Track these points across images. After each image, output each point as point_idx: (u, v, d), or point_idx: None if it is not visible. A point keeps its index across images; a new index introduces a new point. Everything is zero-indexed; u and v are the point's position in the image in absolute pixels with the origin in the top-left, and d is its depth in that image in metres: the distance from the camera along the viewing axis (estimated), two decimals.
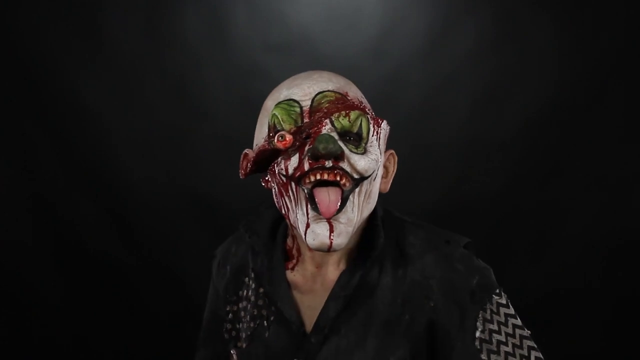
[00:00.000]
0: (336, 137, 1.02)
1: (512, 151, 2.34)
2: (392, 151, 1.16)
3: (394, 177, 1.18)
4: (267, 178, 1.11)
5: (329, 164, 1.01)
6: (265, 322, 1.14)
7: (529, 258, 2.36)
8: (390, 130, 1.15)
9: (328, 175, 1.02)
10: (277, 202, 1.10)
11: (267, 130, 1.07)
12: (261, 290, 1.16)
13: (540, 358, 1.09)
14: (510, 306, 1.12)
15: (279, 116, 1.05)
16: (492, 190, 2.35)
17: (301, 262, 1.15)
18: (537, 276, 2.35)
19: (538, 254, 2.36)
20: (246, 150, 1.13)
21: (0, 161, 2.34)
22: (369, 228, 1.13)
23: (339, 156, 1.01)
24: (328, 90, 1.07)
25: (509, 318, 1.10)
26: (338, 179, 1.02)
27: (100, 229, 2.39)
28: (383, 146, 1.11)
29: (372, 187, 1.08)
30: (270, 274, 1.14)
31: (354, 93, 1.10)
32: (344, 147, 1.02)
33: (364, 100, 1.12)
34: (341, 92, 1.07)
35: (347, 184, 1.03)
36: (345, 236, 1.04)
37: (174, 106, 2.35)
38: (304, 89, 1.06)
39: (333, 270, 1.13)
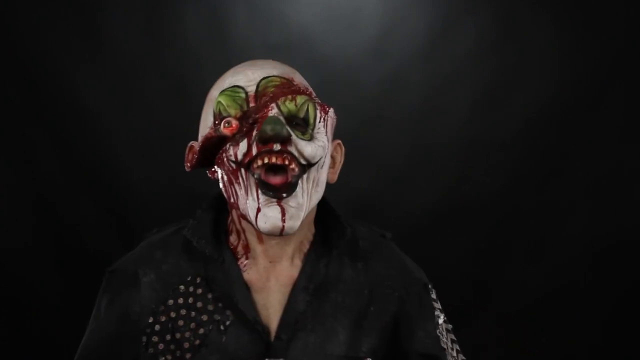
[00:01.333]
0: (283, 121, 1.02)
1: (512, 151, 2.34)
2: (339, 141, 1.15)
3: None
4: (213, 169, 1.11)
5: (277, 147, 1.00)
6: (220, 326, 1.08)
7: (529, 258, 2.36)
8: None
9: (276, 159, 1.01)
10: (226, 191, 1.08)
11: (212, 119, 1.08)
12: (210, 295, 1.09)
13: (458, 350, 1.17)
14: (438, 301, 1.21)
15: (223, 103, 1.06)
16: (492, 190, 2.35)
17: (252, 259, 1.12)
18: (537, 276, 2.35)
19: (538, 254, 2.36)
20: (191, 143, 1.14)
21: (0, 161, 2.34)
22: (325, 219, 1.15)
23: (286, 140, 1.01)
24: (273, 76, 1.06)
25: (436, 311, 1.20)
26: (287, 162, 1.01)
27: (100, 229, 2.39)
28: (330, 135, 1.10)
29: (320, 175, 1.07)
30: (224, 276, 1.10)
31: (299, 79, 1.10)
32: (291, 132, 1.02)
33: (310, 89, 1.11)
34: (287, 77, 1.07)
35: (296, 169, 1.02)
36: (297, 219, 1.03)
37: (174, 106, 2.35)
38: (248, 75, 1.06)
39: (288, 266, 1.12)
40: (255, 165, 1.02)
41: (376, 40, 2.33)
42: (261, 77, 1.06)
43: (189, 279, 1.11)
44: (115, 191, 2.37)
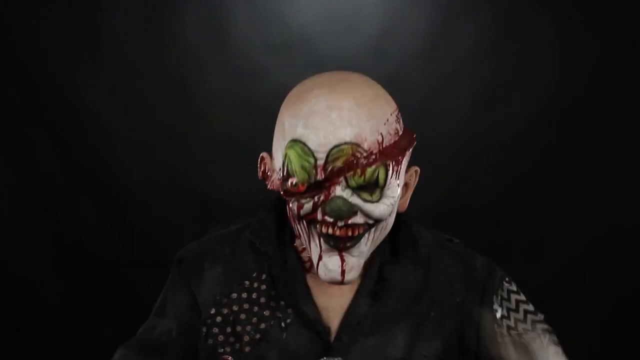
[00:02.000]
0: (349, 193, 1.01)
1: (512, 151, 2.34)
2: (417, 168, 1.15)
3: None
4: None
5: (341, 223, 1.02)
6: (282, 323, 1.11)
7: (529, 258, 2.36)
8: None
9: (340, 231, 1.02)
10: (290, 222, 1.10)
11: (281, 163, 1.05)
12: (273, 293, 1.13)
13: (555, 342, 1.16)
14: (521, 293, 1.18)
15: (292, 162, 1.02)
16: (492, 190, 2.35)
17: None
18: (537, 276, 2.35)
19: (538, 254, 2.36)
20: (263, 154, 1.11)
21: (0, 161, 2.34)
22: (395, 228, 1.14)
23: (351, 215, 1.01)
24: (344, 143, 1.00)
25: (520, 304, 1.16)
26: (350, 234, 1.03)
27: (100, 229, 2.39)
28: (404, 169, 1.10)
29: (389, 220, 1.08)
30: (286, 277, 1.13)
31: (375, 131, 1.02)
32: (358, 200, 1.02)
33: (386, 129, 1.04)
34: (359, 141, 1.00)
35: (361, 231, 1.04)
36: (357, 270, 1.05)
37: (174, 106, 2.35)
38: (320, 137, 1.00)
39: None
40: (317, 226, 1.04)
41: (376, 40, 2.33)
42: (332, 145, 1.00)
43: (254, 274, 1.15)
44: (115, 191, 2.37)
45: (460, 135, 2.34)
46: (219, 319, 1.13)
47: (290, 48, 2.32)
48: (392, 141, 1.05)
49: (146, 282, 2.46)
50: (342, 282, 1.05)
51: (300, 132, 1.01)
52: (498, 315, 1.14)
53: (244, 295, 1.14)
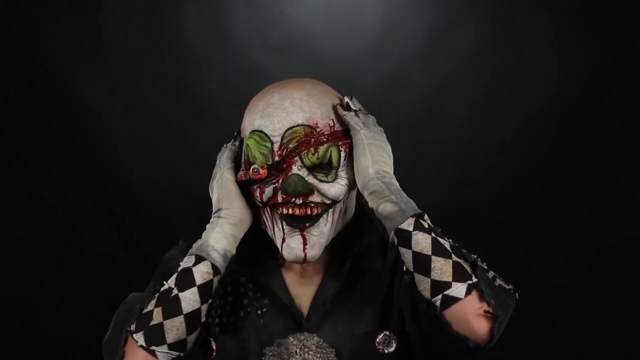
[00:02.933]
0: (305, 172, 1.10)
1: (512, 151, 2.34)
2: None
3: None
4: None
5: (299, 200, 1.10)
6: (258, 311, 1.19)
7: (529, 258, 2.36)
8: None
9: (299, 211, 1.10)
10: (259, 216, 1.18)
11: (243, 155, 1.16)
12: (251, 285, 1.21)
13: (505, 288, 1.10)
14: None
15: (252, 149, 1.13)
16: (492, 190, 2.35)
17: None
18: (537, 276, 2.35)
19: (538, 253, 2.36)
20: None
21: (0, 161, 2.34)
22: (359, 220, 1.22)
23: (308, 192, 1.10)
24: (297, 125, 1.10)
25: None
26: (308, 212, 1.11)
27: (100, 229, 2.39)
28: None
29: (347, 203, 1.17)
30: (261, 271, 1.22)
31: (326, 116, 1.13)
32: (313, 180, 1.10)
33: (336, 116, 1.15)
34: (310, 123, 1.11)
35: (319, 211, 1.11)
36: (319, 248, 1.13)
37: (174, 106, 2.35)
38: (274, 122, 1.11)
39: (317, 266, 1.21)
40: (278, 209, 1.12)
41: (376, 40, 2.33)
42: (286, 128, 1.11)
43: (235, 269, 1.21)
44: (115, 191, 2.37)
45: (460, 135, 2.34)
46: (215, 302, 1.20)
47: (290, 48, 2.32)
48: (343, 128, 1.15)
49: (146, 282, 2.46)
50: (304, 260, 1.12)
51: (257, 123, 1.13)
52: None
53: (228, 288, 1.21)
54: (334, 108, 1.15)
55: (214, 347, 1.19)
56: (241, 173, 1.16)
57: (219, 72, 2.34)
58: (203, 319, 1.10)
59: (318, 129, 1.11)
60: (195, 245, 1.13)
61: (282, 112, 1.11)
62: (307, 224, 1.11)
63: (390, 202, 1.07)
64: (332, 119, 1.14)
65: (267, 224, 1.16)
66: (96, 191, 2.37)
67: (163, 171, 2.37)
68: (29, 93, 2.31)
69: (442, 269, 1.02)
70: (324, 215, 1.12)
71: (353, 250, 1.21)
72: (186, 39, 2.33)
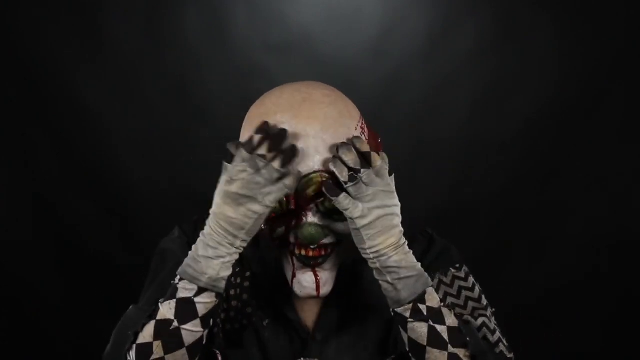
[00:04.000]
0: (320, 218, 1.03)
1: (512, 151, 2.34)
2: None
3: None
4: None
5: (313, 246, 1.04)
6: (263, 322, 1.14)
7: (529, 258, 2.36)
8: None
9: (313, 252, 1.04)
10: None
11: None
12: (254, 290, 1.16)
13: (485, 324, 1.09)
14: (470, 280, 1.16)
15: None
16: (492, 190, 2.35)
17: None
18: (537, 276, 2.35)
19: (538, 254, 2.36)
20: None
21: (0, 161, 2.34)
22: None
23: (323, 238, 1.04)
24: (314, 172, 1.01)
25: (462, 290, 1.15)
26: (322, 253, 1.05)
27: (100, 229, 2.39)
28: None
29: None
30: (266, 277, 1.16)
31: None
32: (328, 223, 1.03)
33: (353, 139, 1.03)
34: (327, 168, 1.01)
35: (332, 249, 1.06)
36: (331, 283, 1.07)
37: (174, 106, 2.35)
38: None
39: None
40: (290, 247, 1.06)
41: (376, 40, 2.33)
42: (302, 176, 1.01)
43: (237, 269, 1.15)
44: (115, 191, 2.37)
45: (460, 135, 2.34)
46: (222, 315, 1.15)
47: (290, 48, 2.32)
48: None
49: (144, 282, 2.46)
50: (317, 297, 1.07)
51: None
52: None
53: (232, 292, 1.15)
54: (351, 135, 1.04)
55: (220, 359, 1.14)
56: None
57: (219, 72, 2.34)
58: (205, 341, 1.03)
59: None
60: (194, 265, 0.99)
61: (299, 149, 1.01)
62: (320, 260, 1.06)
63: (387, 283, 1.00)
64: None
65: (272, 248, 1.09)
66: (96, 191, 2.37)
67: (163, 171, 2.37)
68: (29, 93, 2.31)
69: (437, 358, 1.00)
70: (336, 249, 1.07)
71: (360, 267, 1.14)
72: (186, 39, 2.33)
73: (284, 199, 1.01)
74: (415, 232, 1.22)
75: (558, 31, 2.29)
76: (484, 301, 1.15)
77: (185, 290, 0.99)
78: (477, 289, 1.16)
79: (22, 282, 2.38)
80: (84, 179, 2.36)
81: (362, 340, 1.14)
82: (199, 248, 1.00)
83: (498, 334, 1.09)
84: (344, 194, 0.97)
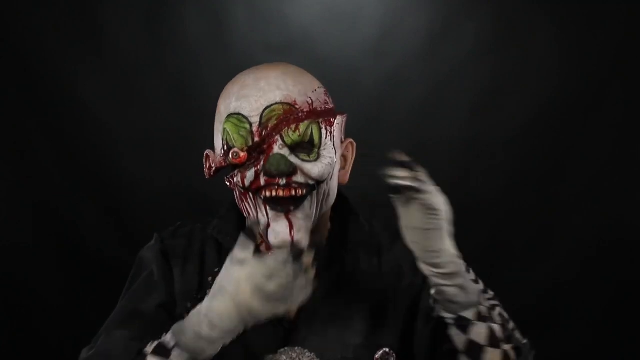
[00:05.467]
0: (287, 152, 1.06)
1: (512, 151, 2.34)
2: (351, 140, 1.18)
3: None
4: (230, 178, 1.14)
5: (282, 181, 1.06)
6: None
7: (529, 258, 2.36)
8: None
9: (283, 192, 1.06)
10: (239, 204, 1.14)
11: (221, 142, 1.12)
12: None
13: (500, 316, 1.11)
14: (471, 272, 1.16)
15: (230, 133, 1.09)
16: (492, 190, 2.35)
17: None
18: (537, 276, 2.35)
19: (538, 253, 2.36)
20: (207, 152, 1.19)
21: (0, 161, 2.34)
22: (344, 217, 1.19)
23: (291, 173, 1.06)
24: (275, 104, 1.07)
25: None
26: (293, 193, 1.07)
27: (100, 229, 2.39)
28: (339, 139, 1.14)
29: (330, 184, 1.12)
30: None
31: (304, 95, 1.10)
32: (296, 160, 1.07)
33: (316, 95, 1.12)
34: (289, 101, 1.08)
35: (303, 192, 1.07)
36: (305, 231, 1.08)
37: (174, 106, 2.35)
38: (251, 103, 1.08)
39: (304, 262, 1.13)
40: (262, 193, 1.08)
41: (376, 40, 2.33)
42: (264, 107, 1.07)
43: (216, 270, 1.14)
44: (115, 191, 2.37)
45: (460, 135, 2.34)
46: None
47: (290, 48, 2.32)
48: (323, 107, 1.12)
49: None
50: (292, 244, 1.06)
51: (234, 106, 1.10)
52: (433, 292, 1.12)
53: (209, 292, 1.14)
54: (313, 88, 1.12)
55: None
56: (220, 159, 1.13)
57: (219, 72, 2.34)
58: None
59: (297, 106, 1.08)
60: (195, 343, 0.99)
61: (258, 92, 1.09)
62: (292, 207, 1.07)
63: (459, 288, 1.04)
64: (310, 97, 1.10)
65: (250, 211, 1.11)
66: (96, 191, 2.37)
67: (163, 171, 2.37)
68: (29, 93, 2.31)
69: (492, 358, 1.04)
70: (308, 198, 1.08)
71: (341, 250, 1.17)
72: (186, 39, 2.33)
73: (249, 134, 1.07)
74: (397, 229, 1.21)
75: (558, 31, 2.29)
76: (490, 291, 1.16)
77: (176, 358, 1.00)
78: (480, 280, 1.16)
79: (22, 282, 2.38)
80: (84, 179, 2.36)
81: (348, 328, 1.14)
82: (203, 326, 0.99)
83: (512, 322, 1.12)
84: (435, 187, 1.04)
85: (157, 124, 2.35)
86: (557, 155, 2.34)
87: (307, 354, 1.11)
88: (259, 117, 1.07)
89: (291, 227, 1.08)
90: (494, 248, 2.35)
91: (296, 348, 1.11)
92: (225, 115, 1.11)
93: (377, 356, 1.12)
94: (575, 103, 2.30)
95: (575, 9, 2.27)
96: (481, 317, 1.04)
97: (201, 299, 1.11)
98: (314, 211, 1.10)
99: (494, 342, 1.05)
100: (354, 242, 1.18)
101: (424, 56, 2.32)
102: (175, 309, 1.17)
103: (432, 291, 1.07)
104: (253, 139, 1.07)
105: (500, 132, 2.33)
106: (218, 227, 1.21)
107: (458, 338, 1.05)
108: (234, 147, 1.08)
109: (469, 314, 1.04)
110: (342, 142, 1.15)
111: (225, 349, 1.07)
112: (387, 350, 1.13)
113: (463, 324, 1.04)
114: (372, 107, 2.32)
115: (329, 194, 1.12)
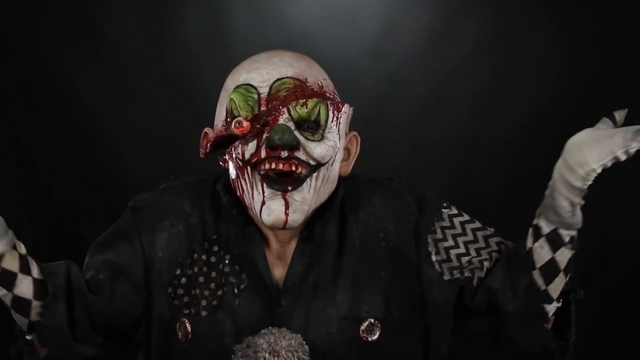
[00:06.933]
0: (292, 126, 1.04)
1: (512, 151, 2.34)
2: (355, 133, 1.17)
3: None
4: (225, 157, 1.12)
5: (284, 154, 1.03)
6: (235, 289, 1.11)
7: None
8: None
9: (283, 165, 1.04)
10: (233, 183, 1.11)
11: (225, 113, 1.09)
12: (228, 257, 1.13)
13: (501, 241, 1.21)
14: (464, 214, 1.21)
15: (236, 101, 1.07)
16: (492, 190, 2.35)
17: (265, 238, 1.15)
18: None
19: None
20: (206, 129, 1.16)
21: (0, 161, 2.34)
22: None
23: (294, 146, 1.03)
24: (287, 77, 1.07)
25: (465, 224, 1.20)
26: (293, 168, 1.04)
27: (100, 229, 2.37)
28: (344, 129, 1.12)
29: (331, 171, 1.09)
30: (245, 240, 1.13)
31: (315, 77, 1.10)
32: (300, 137, 1.04)
33: (326, 83, 1.12)
34: (300, 78, 1.07)
35: (303, 171, 1.05)
36: (301, 213, 1.06)
37: (174, 106, 2.35)
38: (262, 74, 1.07)
39: (295, 245, 1.14)
40: (261, 166, 1.05)
41: (376, 40, 2.33)
42: (275, 79, 1.06)
43: (214, 237, 1.14)
44: (115, 191, 2.37)
45: (460, 135, 2.34)
46: (183, 280, 1.13)
47: (290, 48, 2.29)
48: (332, 95, 1.10)
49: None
50: (285, 224, 1.05)
51: (243, 78, 1.08)
52: (433, 259, 1.13)
53: (204, 257, 1.14)
54: (324, 77, 1.12)
55: (189, 329, 1.11)
56: (221, 128, 1.09)
57: (219, 72, 2.33)
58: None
59: (308, 84, 1.07)
60: None
61: (270, 65, 1.08)
62: (290, 187, 1.05)
63: (571, 204, 1.14)
64: (321, 82, 1.10)
65: (245, 188, 1.08)
66: (96, 190, 2.37)
67: (163, 171, 2.37)
68: (29, 93, 2.31)
69: (558, 285, 1.09)
70: (307, 180, 1.06)
71: (320, 221, 1.13)
72: (186, 39, 2.33)
73: (256, 103, 1.05)
74: (387, 184, 1.21)
75: (558, 31, 2.29)
76: (488, 228, 1.21)
77: None
78: (474, 219, 1.19)
79: None
80: (83, 178, 2.36)
81: (330, 303, 1.11)
82: None
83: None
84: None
85: (157, 124, 2.35)
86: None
87: (287, 335, 1.07)
88: (268, 87, 1.06)
89: (287, 206, 1.05)
90: None
91: (277, 329, 1.08)
92: (233, 88, 1.09)
93: (362, 328, 1.10)
94: (575, 103, 2.30)
95: (575, 9, 2.27)
96: (573, 244, 1.11)
97: (189, 265, 1.12)
98: (312, 195, 1.07)
99: (566, 269, 1.10)
100: (331, 208, 1.13)
101: (424, 56, 2.32)
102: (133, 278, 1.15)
103: (548, 192, 1.16)
104: (259, 109, 1.05)
105: (500, 132, 2.33)
106: (226, 187, 1.15)
107: (542, 252, 1.10)
108: (238, 115, 1.06)
109: (566, 236, 1.11)
110: (346, 134, 1.14)
111: (217, 321, 1.08)
112: (372, 321, 1.10)
113: (556, 241, 1.10)
114: (372, 107, 2.32)
115: (328, 181, 1.09)
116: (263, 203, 1.05)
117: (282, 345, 1.05)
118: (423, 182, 2.35)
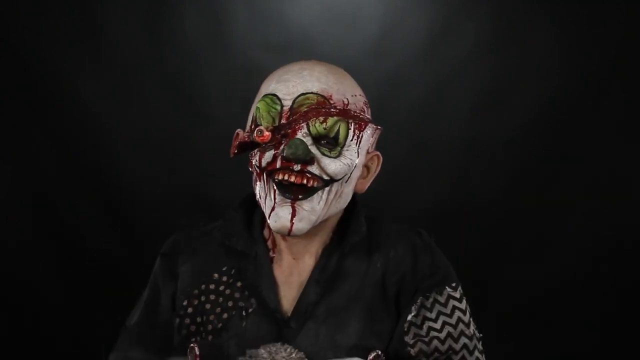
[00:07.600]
0: (309, 141, 1.08)
1: (512, 151, 2.34)
2: (378, 153, 1.20)
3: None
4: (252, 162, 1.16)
5: (297, 167, 1.07)
6: (243, 312, 1.14)
7: (529, 258, 2.36)
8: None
9: (295, 178, 1.08)
10: (254, 186, 1.15)
11: (251, 119, 1.14)
12: (239, 284, 1.16)
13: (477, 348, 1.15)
14: (463, 302, 1.18)
15: (260, 110, 1.11)
16: (492, 190, 2.35)
17: (278, 253, 1.18)
18: (537, 276, 2.35)
19: (538, 254, 2.36)
20: (238, 130, 1.18)
21: (0, 161, 2.34)
22: (348, 219, 1.20)
23: (307, 161, 1.07)
24: (311, 93, 1.10)
25: (456, 311, 1.16)
26: (304, 182, 1.08)
27: (100, 229, 2.39)
28: (366, 148, 1.15)
29: (344, 188, 1.13)
30: (255, 268, 1.17)
31: (342, 94, 1.13)
32: (317, 152, 1.08)
33: (354, 99, 1.14)
34: (325, 94, 1.10)
35: (315, 184, 1.08)
36: (307, 222, 1.09)
37: (174, 106, 2.35)
38: (289, 87, 1.11)
39: (310, 263, 1.16)
40: (276, 175, 1.09)
41: (376, 40, 2.33)
42: (299, 93, 1.10)
43: (224, 269, 1.18)
44: (115, 191, 2.37)
45: (460, 135, 2.34)
46: (190, 310, 1.17)
47: (290, 48, 2.32)
48: (358, 113, 1.13)
49: (146, 282, 2.46)
50: (290, 231, 1.09)
51: (272, 87, 1.12)
52: (409, 317, 1.14)
53: (212, 286, 1.17)
54: (353, 93, 1.14)
55: (197, 352, 1.13)
56: (245, 134, 1.14)
57: (219, 72, 2.34)
58: None
59: (331, 102, 1.10)
60: None
61: (298, 78, 1.11)
62: (300, 196, 1.09)
63: None
64: (347, 98, 1.12)
65: (261, 194, 1.13)
66: (96, 191, 2.37)
67: (163, 171, 2.37)
68: (29, 93, 2.31)
69: None
70: (319, 192, 1.10)
71: (338, 251, 1.16)
72: (186, 39, 2.33)
73: (278, 115, 1.09)
74: (414, 237, 1.22)
75: (558, 31, 2.29)
76: (472, 326, 1.18)
77: None
78: (469, 313, 1.18)
79: (22, 282, 2.38)
80: (84, 179, 2.36)
81: (341, 329, 1.12)
82: None
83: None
84: None
85: (157, 124, 2.35)
86: (557, 155, 2.34)
87: (283, 352, 1.08)
88: (291, 101, 1.09)
89: (294, 214, 1.09)
90: (494, 248, 2.35)
91: (280, 343, 1.10)
92: (262, 95, 1.13)
93: (369, 358, 1.11)
94: (575, 103, 2.30)
95: (575, 9, 2.27)
96: None
97: (196, 296, 1.16)
98: (322, 207, 1.10)
99: None
100: (352, 243, 1.17)
101: (424, 56, 2.32)
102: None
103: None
104: (280, 121, 1.09)
105: (500, 132, 2.33)
106: (224, 229, 1.21)
107: None
108: (261, 125, 1.10)
109: None
110: (368, 152, 1.16)
111: (221, 344, 1.11)
112: (379, 352, 1.12)
113: None
114: (372, 107, 2.30)
115: (341, 196, 1.13)
116: (273, 209, 1.10)
117: (282, 356, 1.08)
118: (423, 182, 2.36)
